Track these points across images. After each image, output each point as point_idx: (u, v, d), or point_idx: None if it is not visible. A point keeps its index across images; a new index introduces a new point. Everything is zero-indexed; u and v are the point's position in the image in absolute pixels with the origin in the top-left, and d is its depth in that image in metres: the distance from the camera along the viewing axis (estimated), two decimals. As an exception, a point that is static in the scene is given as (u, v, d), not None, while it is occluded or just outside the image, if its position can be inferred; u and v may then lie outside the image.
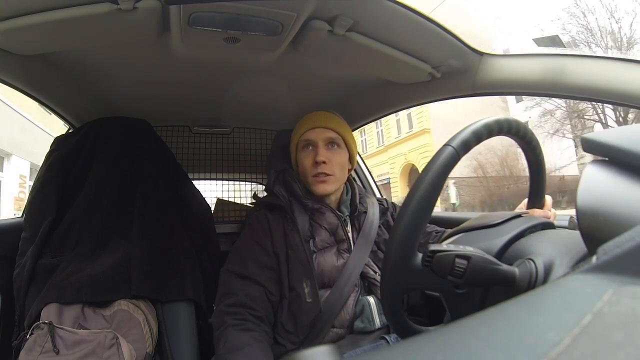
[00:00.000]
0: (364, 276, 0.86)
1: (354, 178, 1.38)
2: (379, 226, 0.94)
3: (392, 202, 1.08)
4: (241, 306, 0.79)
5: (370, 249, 0.89)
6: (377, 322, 0.83)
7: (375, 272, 0.87)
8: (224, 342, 0.75)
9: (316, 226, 0.88)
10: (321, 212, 0.89)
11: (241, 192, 1.63)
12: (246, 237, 0.89)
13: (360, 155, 1.58)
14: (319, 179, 0.89)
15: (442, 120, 12.91)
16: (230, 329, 0.76)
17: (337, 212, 0.91)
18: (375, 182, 1.58)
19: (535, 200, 0.60)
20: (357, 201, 0.94)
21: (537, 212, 0.60)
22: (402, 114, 13.76)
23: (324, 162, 0.88)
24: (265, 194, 1.00)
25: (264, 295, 0.82)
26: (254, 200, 1.01)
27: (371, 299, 0.84)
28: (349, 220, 0.93)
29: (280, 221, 0.88)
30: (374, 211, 0.96)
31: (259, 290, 0.82)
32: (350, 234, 0.90)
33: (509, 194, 10.91)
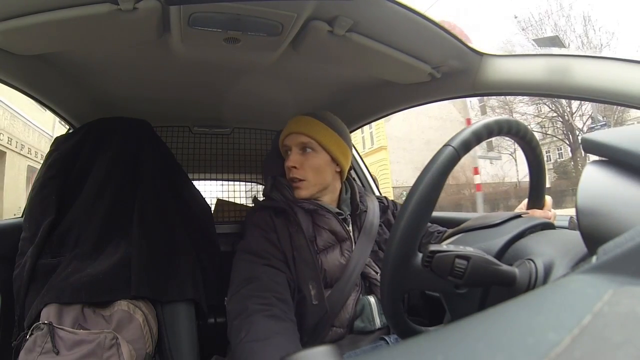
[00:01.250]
0: (365, 276, 0.86)
1: (353, 178, 1.38)
2: (380, 225, 0.94)
3: (393, 201, 1.08)
4: (267, 290, 0.75)
5: (372, 247, 0.89)
6: (378, 322, 0.83)
7: (377, 273, 0.87)
8: (248, 329, 0.68)
9: (317, 227, 0.88)
10: (319, 213, 0.89)
11: (241, 192, 1.63)
12: (255, 234, 0.87)
13: (360, 155, 1.58)
14: (293, 184, 0.91)
15: (397, 138, 14.80)
16: (256, 315, 0.70)
17: (338, 210, 0.92)
18: (375, 181, 1.58)
19: (536, 201, 0.60)
20: (358, 200, 0.94)
21: (537, 212, 0.60)
22: (366, 131, 15.30)
23: (294, 167, 0.89)
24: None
25: (286, 281, 0.80)
26: (254, 205, 1.01)
27: (372, 299, 0.84)
28: (350, 219, 0.93)
29: (284, 223, 0.87)
30: (374, 210, 0.96)
31: (282, 276, 0.79)
32: (351, 233, 0.91)
33: (447, 201, 12.75)
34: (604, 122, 10.83)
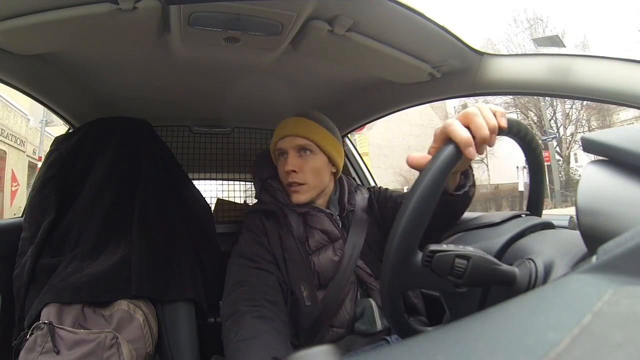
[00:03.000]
0: (359, 279, 0.86)
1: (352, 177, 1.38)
2: (370, 223, 0.92)
3: (379, 188, 1.02)
4: (257, 293, 0.76)
5: (361, 248, 0.87)
6: (379, 324, 0.82)
7: (370, 275, 0.86)
8: (237, 330, 0.70)
9: (309, 227, 0.88)
10: (311, 214, 0.88)
11: (241, 192, 1.64)
12: (246, 238, 0.89)
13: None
14: (292, 189, 0.88)
15: (378, 145, 15.84)
16: (246, 316, 0.72)
17: (329, 211, 0.91)
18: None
19: (536, 201, 0.60)
20: (345, 200, 0.93)
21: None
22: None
23: (294, 172, 0.86)
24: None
25: (277, 283, 0.81)
26: (246, 210, 1.00)
27: (372, 302, 0.84)
28: (339, 220, 0.92)
29: (274, 226, 0.88)
30: (362, 207, 0.94)
31: (273, 279, 0.81)
32: (342, 232, 0.90)
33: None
34: (554, 135, 12.17)
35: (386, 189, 1.02)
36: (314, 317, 0.79)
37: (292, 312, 0.81)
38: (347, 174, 1.38)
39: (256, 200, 0.99)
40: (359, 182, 1.52)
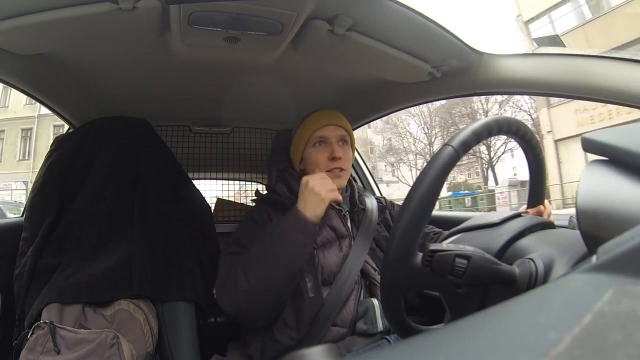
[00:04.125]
0: (364, 274, 0.86)
1: (353, 178, 1.38)
2: (379, 223, 0.95)
3: (391, 201, 1.08)
4: None
5: (370, 245, 0.89)
6: (380, 325, 0.82)
7: (376, 271, 0.87)
8: (243, 264, 0.76)
9: None
10: None
11: (241, 191, 1.63)
12: (248, 226, 0.88)
13: (360, 155, 1.58)
14: (334, 174, 0.90)
15: None
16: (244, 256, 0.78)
17: (338, 207, 0.92)
18: (375, 182, 1.58)
19: (536, 201, 0.60)
20: (356, 198, 0.95)
21: (531, 211, 0.60)
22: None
23: (339, 158, 0.90)
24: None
25: None
26: (255, 197, 1.01)
27: (375, 301, 0.84)
28: (348, 216, 0.93)
29: (281, 216, 0.87)
30: (372, 208, 0.96)
31: None
32: (350, 230, 0.91)
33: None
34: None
35: (391, 202, 1.08)
36: (316, 309, 0.79)
37: (294, 303, 0.81)
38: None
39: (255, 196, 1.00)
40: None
